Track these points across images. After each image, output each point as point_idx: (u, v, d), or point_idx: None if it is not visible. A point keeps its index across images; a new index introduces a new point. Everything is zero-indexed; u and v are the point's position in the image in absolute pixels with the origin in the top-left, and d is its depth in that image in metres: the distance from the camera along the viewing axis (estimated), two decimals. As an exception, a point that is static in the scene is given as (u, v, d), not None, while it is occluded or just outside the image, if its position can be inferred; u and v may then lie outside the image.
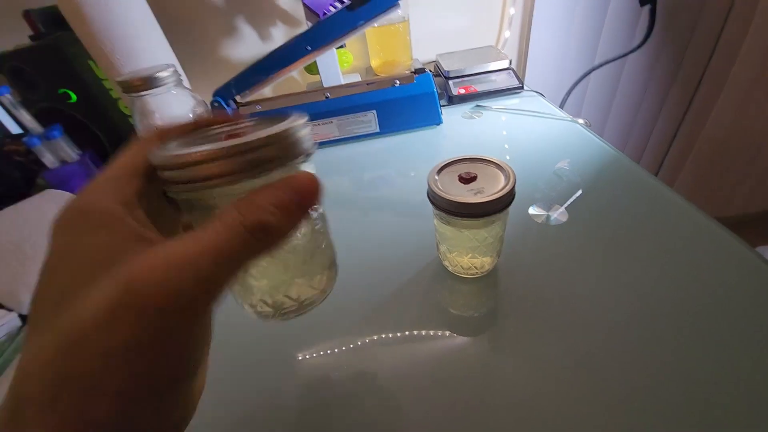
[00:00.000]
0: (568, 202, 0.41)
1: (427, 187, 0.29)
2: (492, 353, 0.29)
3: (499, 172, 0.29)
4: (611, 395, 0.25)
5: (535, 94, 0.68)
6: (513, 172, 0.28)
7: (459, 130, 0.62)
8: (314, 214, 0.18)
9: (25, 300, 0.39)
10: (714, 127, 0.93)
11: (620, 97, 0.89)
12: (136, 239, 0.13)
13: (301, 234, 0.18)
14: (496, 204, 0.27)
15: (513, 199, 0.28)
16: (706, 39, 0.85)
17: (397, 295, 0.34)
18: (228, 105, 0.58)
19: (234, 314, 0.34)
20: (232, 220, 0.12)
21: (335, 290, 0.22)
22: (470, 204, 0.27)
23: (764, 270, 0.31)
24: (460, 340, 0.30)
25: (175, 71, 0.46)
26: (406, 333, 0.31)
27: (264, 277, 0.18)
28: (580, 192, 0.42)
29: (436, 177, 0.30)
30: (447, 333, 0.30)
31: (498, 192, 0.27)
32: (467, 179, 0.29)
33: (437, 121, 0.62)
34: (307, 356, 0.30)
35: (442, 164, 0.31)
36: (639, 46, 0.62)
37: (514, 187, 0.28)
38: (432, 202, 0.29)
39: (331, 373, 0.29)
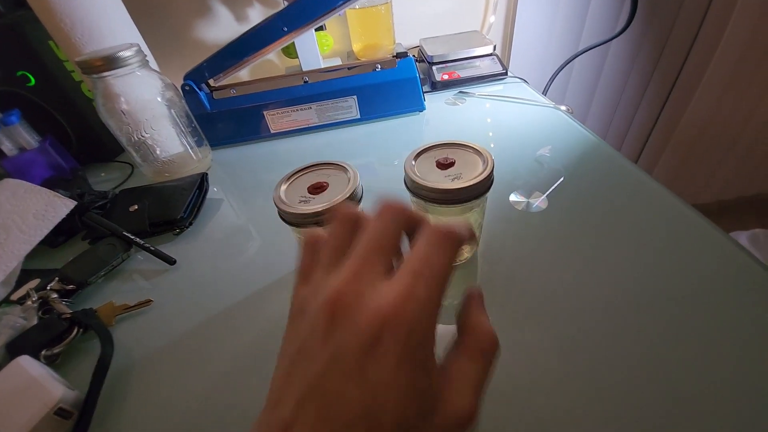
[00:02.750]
0: (550, 190, 0.40)
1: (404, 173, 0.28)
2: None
3: (478, 157, 0.28)
4: (591, 383, 0.25)
5: (518, 80, 0.67)
6: (491, 157, 0.27)
7: (442, 117, 0.60)
8: None
9: (-20, 296, 0.36)
10: (693, 116, 0.95)
11: (603, 84, 0.89)
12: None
13: None
14: (473, 190, 0.26)
15: (491, 185, 0.27)
16: (687, 28, 0.85)
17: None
18: (200, 89, 0.56)
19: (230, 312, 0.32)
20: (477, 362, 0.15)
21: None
22: (447, 190, 0.26)
23: (738, 255, 0.31)
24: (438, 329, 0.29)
25: (140, 51, 0.43)
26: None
27: None
28: (562, 179, 0.42)
29: (413, 163, 0.29)
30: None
31: (475, 178, 0.26)
32: (445, 165, 0.28)
33: (420, 107, 0.61)
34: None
35: (420, 150, 0.30)
36: (621, 32, 0.61)
37: (492, 173, 0.27)
38: (408, 189, 0.28)
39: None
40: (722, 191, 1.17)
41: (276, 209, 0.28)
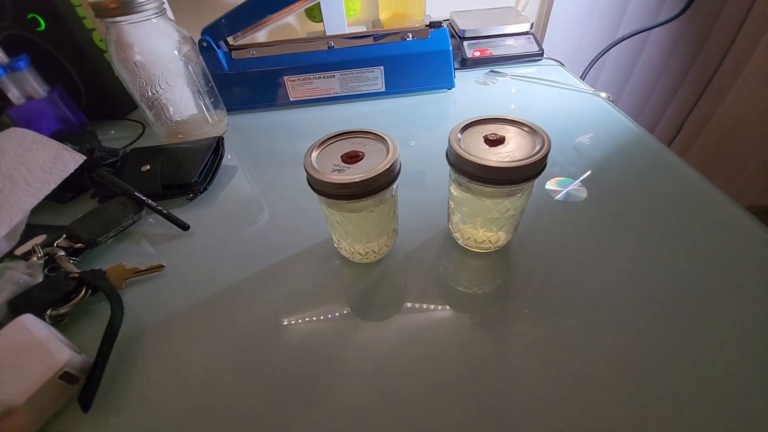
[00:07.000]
0: (578, 181, 0.38)
1: (447, 146, 0.26)
2: (494, 333, 0.26)
3: (531, 136, 0.26)
4: (622, 382, 0.23)
5: (554, 62, 0.63)
6: (548, 136, 0.25)
7: (471, 97, 0.57)
8: (394, 188, 0.27)
9: (-18, 248, 0.34)
10: (724, 115, 0.90)
11: (638, 73, 0.84)
12: None
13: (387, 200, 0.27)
14: (527, 170, 0.23)
15: (545, 167, 0.25)
16: (730, 23, 0.80)
17: (399, 267, 0.31)
18: (218, 46, 0.52)
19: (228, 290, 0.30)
20: None
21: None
22: (498, 168, 0.23)
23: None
24: (461, 316, 0.27)
25: (158, -3, 0.40)
26: (406, 305, 0.28)
27: (362, 233, 0.29)
28: (589, 172, 0.39)
29: (459, 136, 0.26)
30: (446, 307, 0.28)
31: (531, 157, 0.23)
32: (494, 141, 0.25)
33: (449, 84, 0.57)
34: (301, 321, 0.28)
35: (466, 122, 0.27)
36: (677, 16, 0.57)
37: (548, 153, 0.24)
38: (452, 165, 0.26)
39: (327, 342, 0.26)
40: (741, 197, 1.13)
41: (304, 177, 0.25)
